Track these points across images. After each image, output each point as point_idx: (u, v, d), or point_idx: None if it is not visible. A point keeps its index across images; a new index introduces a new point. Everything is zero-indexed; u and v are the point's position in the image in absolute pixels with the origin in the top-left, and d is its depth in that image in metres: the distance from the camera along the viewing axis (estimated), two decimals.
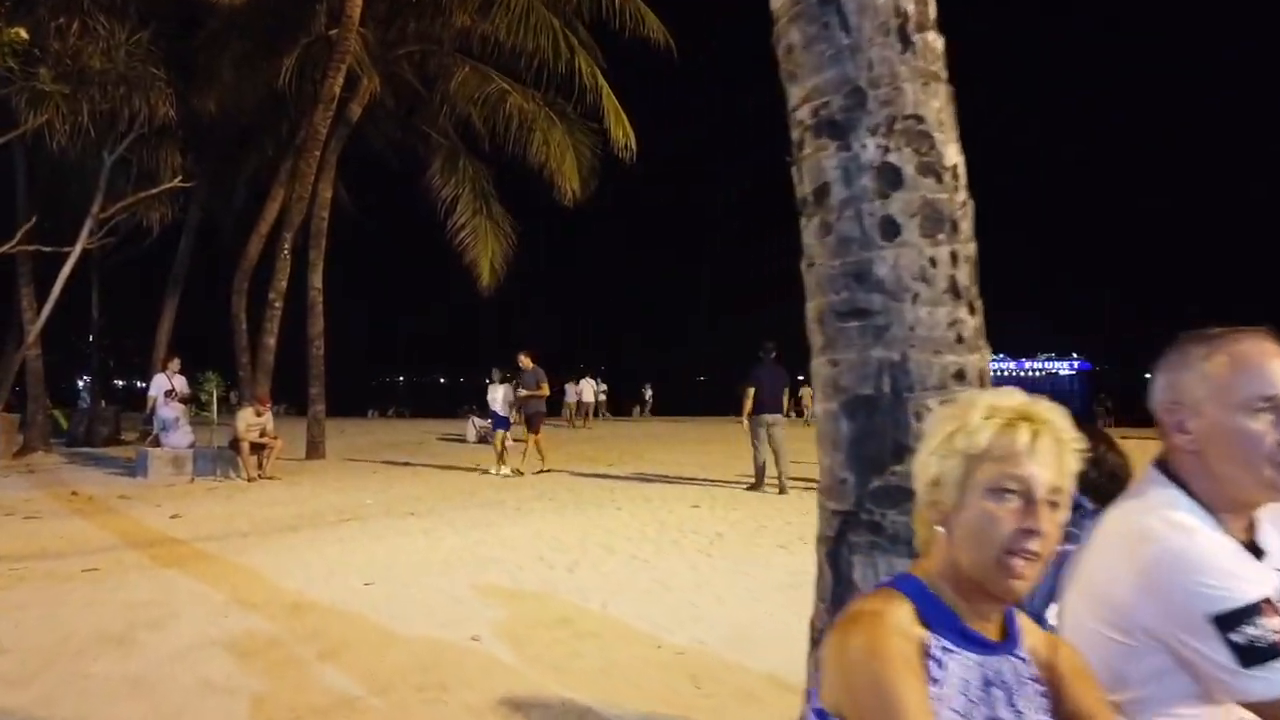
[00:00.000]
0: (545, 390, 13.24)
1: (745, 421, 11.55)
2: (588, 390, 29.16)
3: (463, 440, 20.62)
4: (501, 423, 13.82)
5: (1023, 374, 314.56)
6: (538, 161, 17.31)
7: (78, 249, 14.42)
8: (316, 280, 16.14)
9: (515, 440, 14.46)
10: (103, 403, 21.72)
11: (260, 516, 9.37)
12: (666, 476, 12.99)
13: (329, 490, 11.58)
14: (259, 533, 8.30)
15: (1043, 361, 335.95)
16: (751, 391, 11.33)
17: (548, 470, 13.15)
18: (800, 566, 6.33)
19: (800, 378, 25.87)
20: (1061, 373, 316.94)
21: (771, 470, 11.30)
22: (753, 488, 11.31)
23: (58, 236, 15.24)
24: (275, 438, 13.34)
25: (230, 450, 13.19)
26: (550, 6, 14.69)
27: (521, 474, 12.92)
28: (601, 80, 14.92)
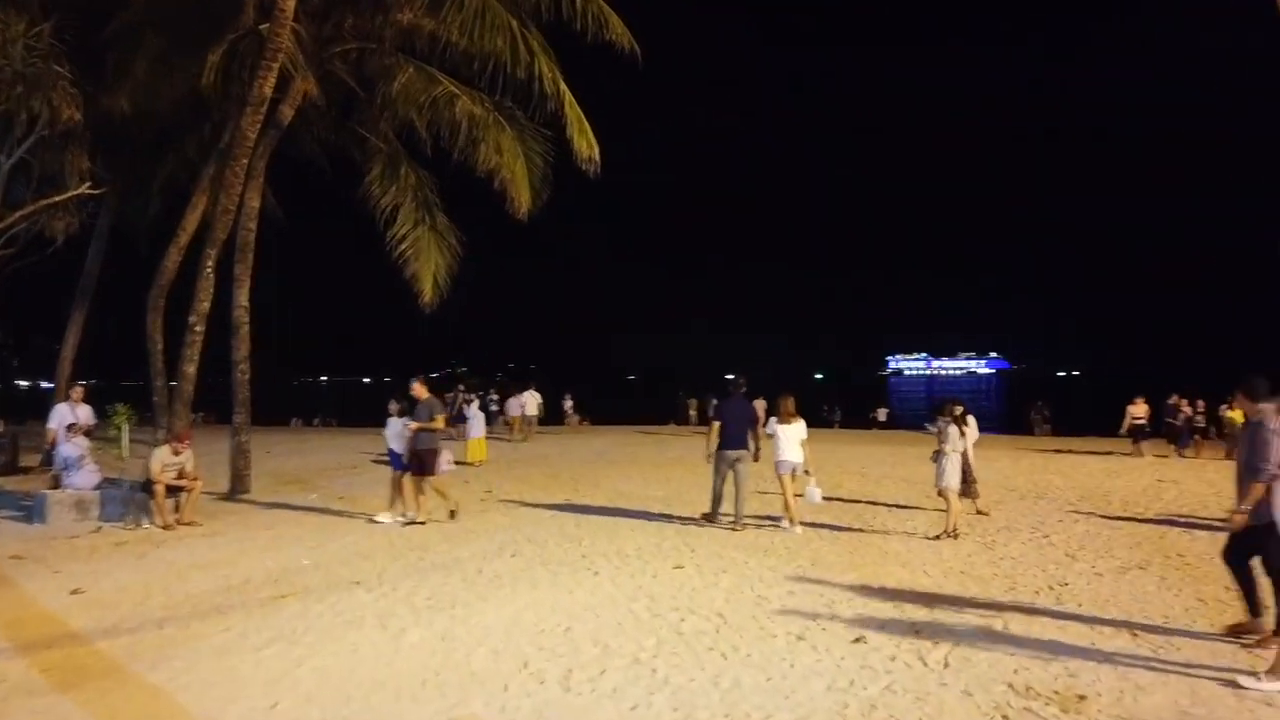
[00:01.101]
0: (440, 424, 11.53)
1: (710, 457, 11.03)
2: (531, 403, 28.06)
3: None
4: (398, 461, 11.75)
5: (939, 373, 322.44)
6: (486, 170, 16.15)
7: None
8: (243, 298, 14.69)
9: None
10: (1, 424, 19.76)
11: (180, 591, 8.08)
12: (633, 513, 11.97)
13: (258, 544, 10.28)
14: (178, 619, 7.04)
15: (962, 360, 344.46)
16: (718, 426, 10.89)
17: (422, 522, 11.28)
18: (835, 674, 5.42)
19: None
20: (980, 371, 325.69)
21: (728, 506, 10.92)
22: (706, 518, 11.04)
23: None
24: (196, 479, 11.95)
25: (143, 493, 11.74)
26: (508, 6, 13.53)
27: (423, 523, 11.22)
28: (564, 87, 13.81)
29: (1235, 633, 6.15)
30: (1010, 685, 5.19)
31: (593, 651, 5.95)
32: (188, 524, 11.49)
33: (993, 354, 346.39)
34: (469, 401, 21.52)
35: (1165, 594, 7.47)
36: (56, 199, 13.53)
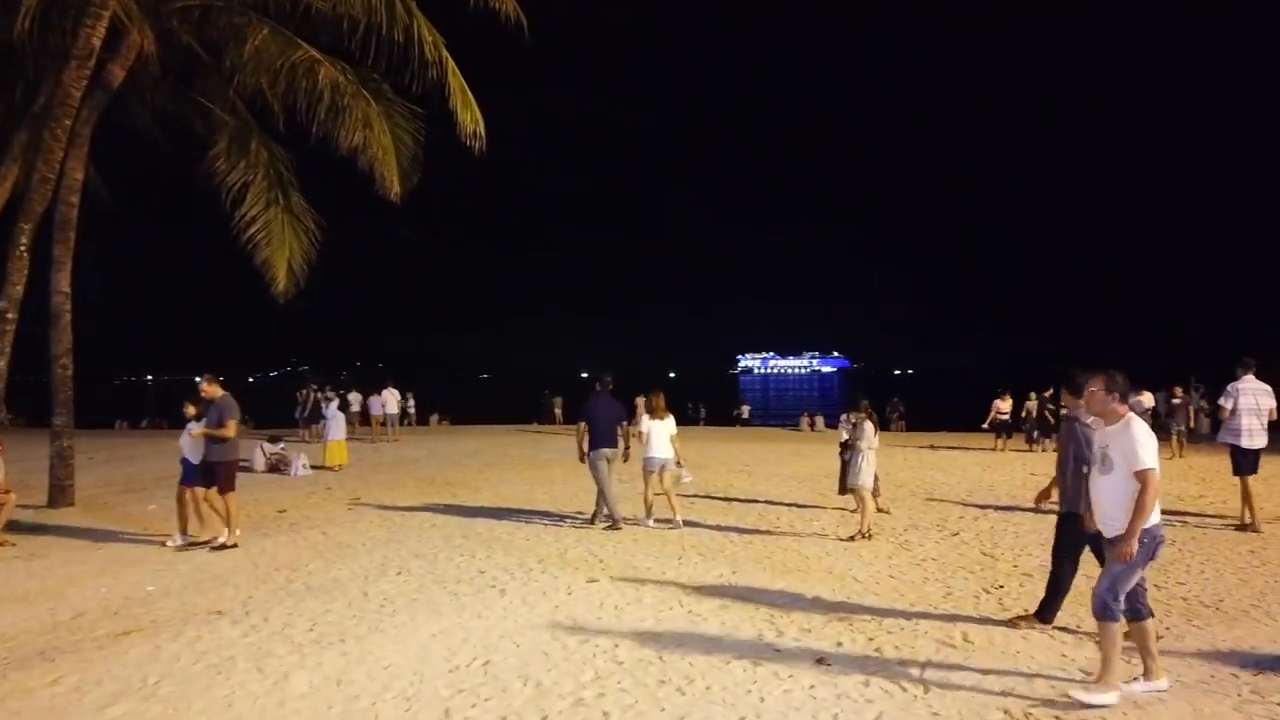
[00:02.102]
0: (230, 431, 9.53)
1: (583, 459, 10.78)
2: (391, 401, 26.54)
3: (249, 469, 17.56)
4: (189, 473, 9.94)
5: (786, 371, 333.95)
6: (350, 147, 14.72)
7: None
8: (64, 283, 12.80)
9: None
10: None
11: None
12: (522, 518, 11.03)
13: (89, 568, 8.76)
14: None
15: (808, 359, 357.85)
16: (585, 427, 10.72)
17: (233, 545, 9.51)
18: (814, 708, 4.75)
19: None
20: (824, 370, 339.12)
21: (625, 508, 10.86)
22: (612, 527, 10.48)
23: None
24: (8, 491, 10.25)
25: None
26: None
27: (233, 546, 9.52)
28: (446, 55, 12.60)
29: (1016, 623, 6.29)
30: (1007, 712, 4.65)
31: (525, 692, 5.04)
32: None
33: (835, 353, 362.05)
34: (328, 400, 19.86)
35: None
36: None
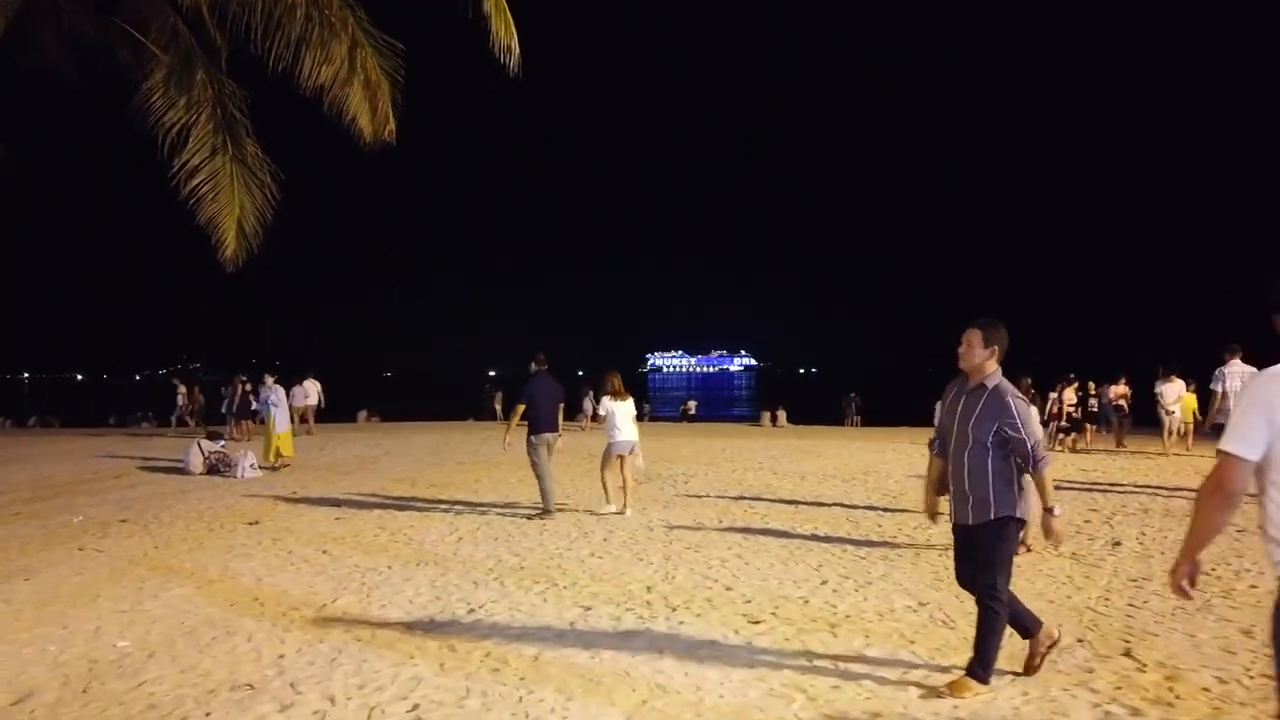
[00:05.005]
0: None
1: (508, 443, 10.59)
2: (314, 392, 23.92)
3: (183, 470, 14.81)
4: None
5: (686, 369, 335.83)
6: (319, 83, 12.20)
7: None
8: None
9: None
10: None
11: None
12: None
13: (16, 608, 6.23)
14: None
15: (715, 359, 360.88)
16: (522, 409, 10.15)
17: None
18: None
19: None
20: (732, 369, 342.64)
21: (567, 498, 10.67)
22: (543, 515, 9.78)
23: None
24: None
25: None
26: None
27: None
28: None
29: (1033, 667, 4.65)
30: None
31: None
32: None
33: (742, 352, 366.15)
34: (269, 391, 17.07)
35: None
36: None
